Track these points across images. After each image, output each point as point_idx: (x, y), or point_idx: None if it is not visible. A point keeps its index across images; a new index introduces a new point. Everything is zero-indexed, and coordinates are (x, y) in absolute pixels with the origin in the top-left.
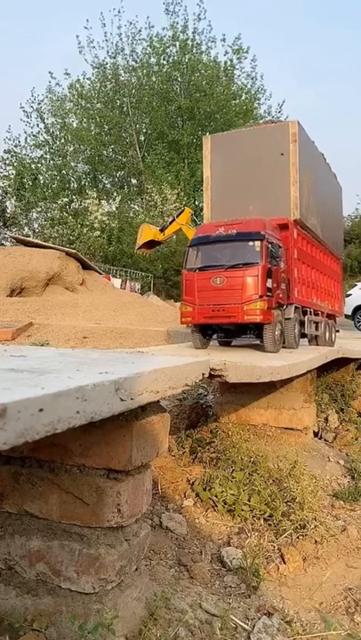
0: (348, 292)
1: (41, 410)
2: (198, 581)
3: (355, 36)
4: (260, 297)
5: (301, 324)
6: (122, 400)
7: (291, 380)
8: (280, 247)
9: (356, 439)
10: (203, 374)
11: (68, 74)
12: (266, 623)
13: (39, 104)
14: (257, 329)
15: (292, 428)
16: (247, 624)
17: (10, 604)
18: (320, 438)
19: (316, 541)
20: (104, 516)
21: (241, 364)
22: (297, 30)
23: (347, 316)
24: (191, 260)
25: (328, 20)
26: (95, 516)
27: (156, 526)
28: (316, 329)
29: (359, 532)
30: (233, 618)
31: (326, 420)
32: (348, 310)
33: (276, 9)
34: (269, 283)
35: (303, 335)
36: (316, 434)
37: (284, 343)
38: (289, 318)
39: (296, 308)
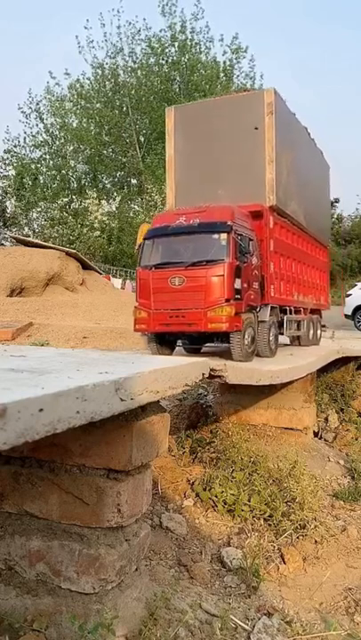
0: (349, 292)
1: (41, 410)
2: (198, 581)
3: (354, 35)
4: (227, 301)
5: (280, 324)
6: (122, 400)
7: (291, 380)
8: (251, 240)
9: (357, 439)
10: (203, 374)
11: (68, 74)
12: (266, 623)
13: (37, 104)
14: (225, 335)
15: (292, 428)
16: (247, 624)
17: (10, 604)
18: (320, 438)
19: (316, 541)
20: (104, 516)
21: (241, 365)
22: (297, 30)
23: (347, 316)
24: (147, 256)
25: (328, 20)
26: (95, 516)
27: (156, 526)
28: (298, 328)
29: (359, 532)
30: (233, 618)
31: (326, 420)
32: (349, 310)
33: (275, 9)
34: (238, 283)
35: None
36: (316, 434)
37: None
38: (263, 321)
39: (273, 308)
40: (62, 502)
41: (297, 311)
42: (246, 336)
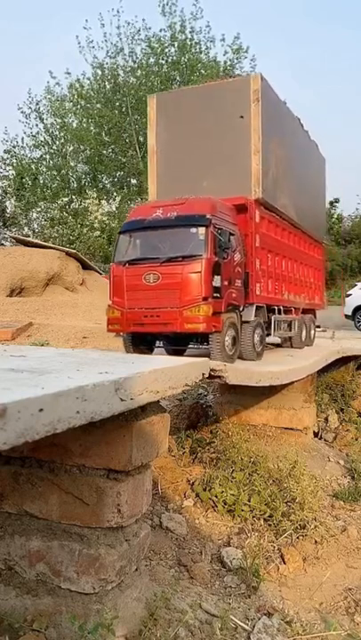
0: (349, 292)
1: (41, 410)
2: (198, 582)
3: (355, 35)
4: (205, 299)
5: (268, 325)
6: (122, 400)
7: (291, 381)
8: (233, 234)
9: (357, 439)
10: (203, 374)
11: (68, 73)
12: (266, 623)
13: (37, 104)
14: (204, 336)
15: (292, 428)
16: (247, 624)
17: (10, 605)
18: (320, 438)
19: (316, 542)
20: (104, 517)
21: (240, 366)
22: (297, 30)
23: (347, 316)
24: (120, 251)
25: (328, 20)
26: (95, 516)
27: (156, 526)
28: (289, 329)
29: (359, 532)
30: (233, 618)
31: (326, 420)
32: (349, 310)
33: (275, 9)
34: (217, 281)
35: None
36: (316, 434)
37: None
38: (247, 322)
39: (259, 308)
40: (62, 502)
41: (287, 311)
42: (227, 337)
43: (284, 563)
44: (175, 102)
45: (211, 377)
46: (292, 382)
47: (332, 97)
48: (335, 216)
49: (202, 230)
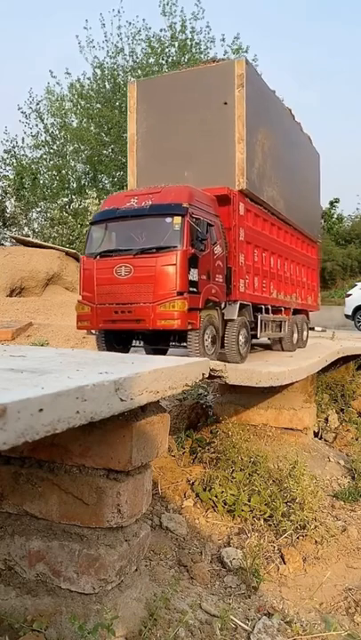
0: (349, 292)
1: (41, 410)
2: (198, 582)
3: (354, 35)
4: (180, 294)
5: (255, 326)
6: (122, 400)
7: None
8: (211, 225)
9: (357, 439)
10: (203, 374)
11: (68, 73)
12: (266, 623)
13: (38, 104)
14: (182, 334)
15: (292, 429)
16: (247, 624)
17: (10, 605)
18: (320, 438)
19: (316, 542)
20: (104, 517)
21: (240, 366)
22: (297, 30)
23: (347, 316)
24: (92, 243)
25: (328, 20)
26: (95, 516)
27: (156, 527)
28: (279, 330)
29: (359, 532)
30: (233, 618)
31: (326, 420)
32: (349, 310)
33: (276, 9)
34: (194, 274)
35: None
36: (316, 434)
37: (223, 348)
38: (231, 320)
39: (244, 306)
40: (62, 502)
41: (277, 311)
42: (206, 336)
43: (285, 563)
44: (157, 89)
45: (211, 377)
46: (293, 382)
47: (333, 97)
48: (335, 216)
49: (177, 220)
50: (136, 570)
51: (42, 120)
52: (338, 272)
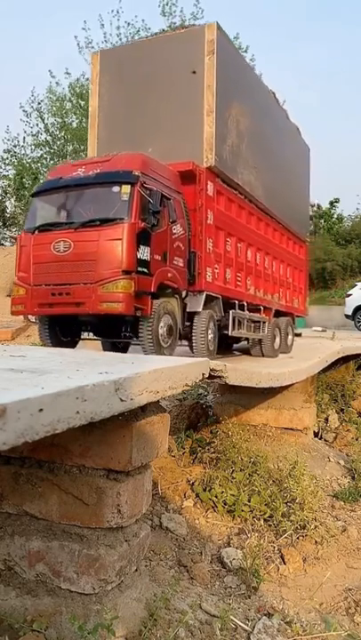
0: (349, 292)
1: (41, 410)
2: (198, 582)
3: (354, 35)
4: (126, 273)
5: (226, 323)
6: (122, 400)
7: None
8: (168, 198)
9: (357, 439)
10: (202, 375)
11: (68, 73)
12: (266, 624)
13: (39, 104)
14: (134, 324)
15: (292, 429)
16: (247, 625)
17: (9, 605)
18: (320, 438)
19: (316, 542)
20: (104, 517)
21: (241, 367)
22: (297, 30)
23: (347, 316)
24: (31, 217)
25: (328, 20)
26: (95, 516)
27: (156, 527)
28: (257, 330)
29: (359, 532)
30: (233, 618)
31: (326, 420)
32: (349, 310)
33: (276, 9)
34: (145, 252)
35: (236, 338)
36: (316, 434)
37: (189, 343)
38: (197, 313)
39: (212, 299)
40: (62, 503)
41: (255, 310)
42: (161, 327)
43: (285, 563)
44: (121, 59)
45: (211, 377)
46: (293, 383)
47: (333, 97)
48: (335, 216)
49: (126, 189)
50: (136, 570)
51: (42, 120)
52: (338, 272)
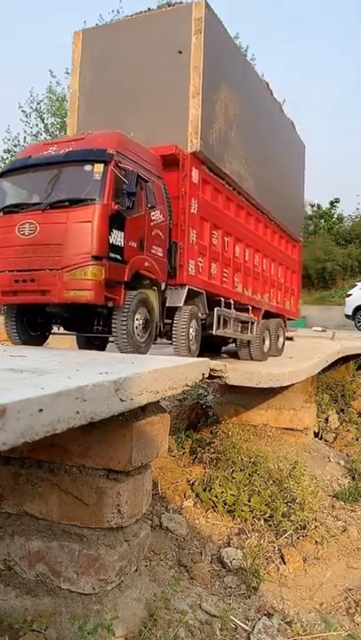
0: (349, 292)
1: (40, 410)
2: (198, 582)
3: (355, 35)
4: (96, 259)
5: (211, 321)
6: (122, 400)
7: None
8: (146, 181)
9: (357, 439)
10: (203, 375)
11: (68, 73)
12: (266, 624)
13: (38, 104)
14: (107, 316)
15: (292, 429)
16: (247, 625)
17: (10, 605)
18: (320, 439)
19: (316, 542)
20: (104, 517)
21: (241, 367)
22: (297, 30)
23: (347, 316)
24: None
25: (328, 20)
26: (95, 516)
27: (156, 527)
28: (245, 331)
29: (359, 532)
30: (233, 618)
31: (327, 420)
32: (349, 310)
33: (276, 9)
34: (118, 237)
35: (224, 340)
36: (316, 434)
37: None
38: (177, 308)
39: (195, 294)
40: (62, 503)
41: (243, 309)
42: (137, 320)
43: (285, 563)
44: (105, 40)
45: (211, 377)
46: (293, 383)
47: (333, 97)
48: (335, 216)
49: (99, 168)
50: (136, 570)
51: (42, 120)
52: (338, 272)
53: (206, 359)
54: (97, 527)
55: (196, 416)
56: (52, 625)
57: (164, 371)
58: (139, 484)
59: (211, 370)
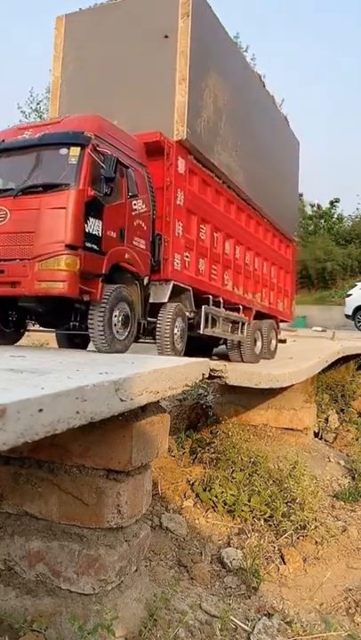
0: (349, 292)
1: (40, 410)
2: (198, 582)
3: (355, 35)
4: (70, 248)
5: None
6: (122, 400)
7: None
8: (127, 167)
9: (357, 439)
10: (203, 375)
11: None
12: (266, 624)
13: (38, 104)
14: (84, 312)
15: (292, 429)
16: (247, 625)
17: (10, 605)
18: (320, 439)
19: (316, 542)
20: (104, 517)
21: (241, 367)
22: (297, 30)
23: (347, 316)
24: None
25: (327, 20)
26: (95, 516)
27: (156, 527)
28: (235, 331)
29: (359, 532)
30: (233, 619)
31: (327, 420)
32: (349, 310)
33: (276, 8)
34: (95, 226)
35: (215, 342)
36: (316, 434)
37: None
38: (162, 305)
39: (181, 291)
40: (62, 503)
41: (233, 309)
42: (116, 313)
43: (285, 563)
44: (88, 24)
45: (211, 377)
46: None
47: (333, 97)
48: (335, 216)
49: (75, 151)
50: (136, 570)
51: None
52: (338, 272)
53: (206, 359)
54: (97, 527)
55: (196, 416)
56: (52, 625)
57: (164, 371)
58: (139, 484)
59: (211, 370)
